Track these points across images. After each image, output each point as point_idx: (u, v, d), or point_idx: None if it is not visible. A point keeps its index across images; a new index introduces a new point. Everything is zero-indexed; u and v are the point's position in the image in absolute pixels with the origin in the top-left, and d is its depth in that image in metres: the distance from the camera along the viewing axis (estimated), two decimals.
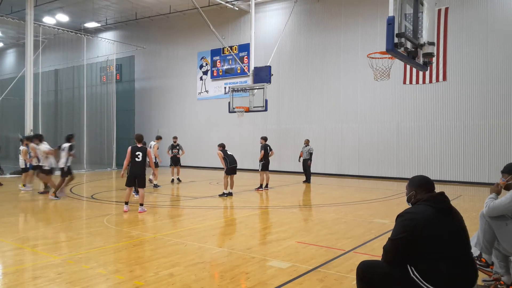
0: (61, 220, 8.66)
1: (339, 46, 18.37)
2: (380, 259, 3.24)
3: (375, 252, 5.84)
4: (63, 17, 22.82)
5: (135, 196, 12.04)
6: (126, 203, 9.25)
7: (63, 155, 11.25)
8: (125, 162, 9.25)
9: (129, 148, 9.24)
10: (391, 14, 4.96)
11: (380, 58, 10.36)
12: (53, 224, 8.24)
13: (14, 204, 10.95)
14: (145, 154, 9.23)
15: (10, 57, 31.34)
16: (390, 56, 7.78)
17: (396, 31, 4.98)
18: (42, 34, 21.11)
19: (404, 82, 16.48)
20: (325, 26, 18.83)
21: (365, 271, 3.21)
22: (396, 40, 4.96)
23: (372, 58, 10.51)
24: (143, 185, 9.38)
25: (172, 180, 15.49)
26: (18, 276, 4.99)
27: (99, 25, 25.58)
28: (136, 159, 9.12)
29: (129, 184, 9.32)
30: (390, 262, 3.11)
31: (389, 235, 3.18)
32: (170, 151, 15.47)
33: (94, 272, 5.13)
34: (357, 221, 8.47)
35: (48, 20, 22.84)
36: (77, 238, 7.09)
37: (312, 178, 15.87)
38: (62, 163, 11.30)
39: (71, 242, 6.70)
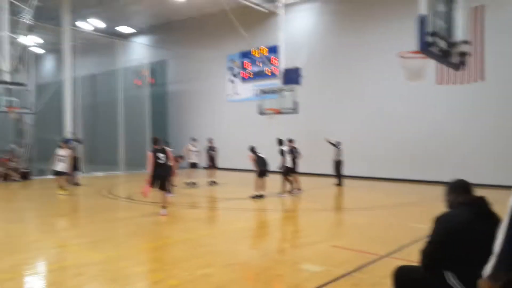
0: (101, 220, 8.99)
1: (370, 46, 18.07)
2: (417, 265, 3.21)
3: (412, 258, 5.71)
4: (99, 23, 23.64)
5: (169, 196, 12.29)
6: (164, 207, 9.08)
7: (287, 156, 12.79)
8: (150, 166, 8.97)
9: (149, 152, 9.07)
10: (423, 12, 4.88)
11: (412, 57, 10.11)
12: (94, 224, 8.56)
13: (57, 205, 11.45)
14: (166, 155, 9.11)
15: (50, 62, 32.70)
16: (422, 55, 7.62)
17: (428, 30, 4.89)
18: (79, 39, 21.94)
19: (438, 82, 16.03)
20: (355, 25, 18.59)
21: (402, 276, 3.19)
22: (428, 39, 4.87)
23: (404, 57, 10.29)
24: (166, 188, 9.27)
25: (209, 182, 15.63)
26: (61, 273, 5.24)
27: (133, 29, 26.29)
28: (159, 161, 8.96)
29: (154, 185, 9.03)
30: (427, 266, 3.07)
31: (426, 239, 3.14)
32: (206, 153, 15.67)
33: (132, 270, 5.32)
34: (391, 226, 8.33)
35: (84, 25, 23.70)
36: (116, 237, 7.36)
37: (344, 181, 15.69)
38: (288, 163, 12.70)
39: (111, 241, 6.95)
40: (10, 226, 8.12)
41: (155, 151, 9.01)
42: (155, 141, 9.29)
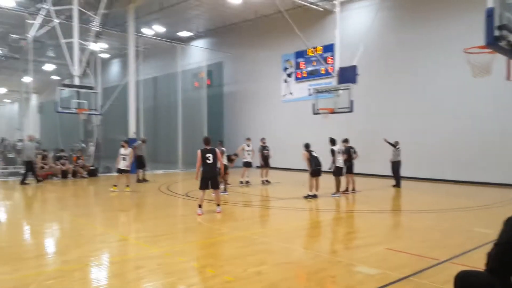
0: (160, 216, 9.41)
1: (432, 41, 17.19)
2: (480, 270, 3.01)
3: (476, 264, 5.36)
4: (160, 28, 24.71)
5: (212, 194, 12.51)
6: (200, 206, 9.14)
7: (340, 156, 12.54)
8: (197, 165, 9.20)
9: (199, 151, 9.23)
10: (490, 5, 4.58)
11: (479, 53, 9.49)
12: (153, 219, 8.98)
13: (120, 200, 12.11)
14: (215, 155, 9.22)
15: (115, 67, 34.71)
16: (490, 50, 7.13)
17: (497, 23, 4.58)
18: (142, 44, 23.09)
19: (508, 78, 14.82)
20: (416, 21, 17.79)
21: (464, 281, 3.00)
22: (497, 33, 4.55)
23: (470, 53, 9.68)
24: (216, 187, 9.43)
25: (263, 181, 15.78)
26: (122, 265, 5.55)
27: (192, 33, 27.16)
28: (207, 161, 9.10)
29: (202, 187, 9.19)
30: (494, 270, 2.86)
31: (494, 242, 2.94)
32: (260, 153, 15.83)
33: (188, 265, 5.51)
34: (454, 230, 7.87)
35: (146, 31, 24.90)
36: (174, 232, 7.66)
37: (403, 183, 15.07)
38: (340, 163, 12.48)
39: (169, 236, 7.25)
40: (78, 220, 8.74)
41: (204, 151, 9.19)
42: (205, 141, 9.46)
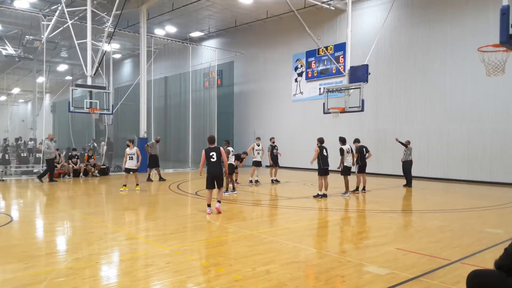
0: (169, 214, 9.45)
1: (445, 40, 17.00)
2: (493, 269, 2.96)
3: (487, 264, 5.30)
4: (171, 29, 24.86)
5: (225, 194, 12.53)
6: (209, 205, 9.26)
7: (349, 155, 12.50)
8: (201, 164, 9.46)
9: (203, 150, 9.38)
10: (505, 3, 4.52)
11: (493, 51, 9.35)
12: (162, 218, 9.03)
13: (130, 199, 12.22)
14: (219, 154, 9.27)
15: (127, 67, 35.02)
16: (504, 49, 7.04)
17: (511, 21, 4.51)
18: (153, 44, 23.29)
19: None
20: (428, 19, 17.59)
21: (477, 280, 2.96)
22: (511, 31, 4.49)
23: (484, 51, 9.54)
24: (221, 185, 9.47)
25: (272, 180, 15.79)
26: (132, 263, 5.59)
27: (203, 34, 27.29)
28: (211, 159, 9.20)
29: (208, 186, 9.30)
30: (508, 267, 2.80)
31: (504, 246, 2.90)
32: (270, 152, 15.85)
33: (197, 263, 5.53)
34: (465, 230, 7.77)
35: (158, 31, 25.08)
36: (183, 231, 7.70)
37: (414, 182, 14.93)
38: (348, 163, 12.41)
39: (178, 234, 7.29)
40: (89, 218, 8.83)
41: (207, 150, 9.28)
42: (210, 140, 9.55)
